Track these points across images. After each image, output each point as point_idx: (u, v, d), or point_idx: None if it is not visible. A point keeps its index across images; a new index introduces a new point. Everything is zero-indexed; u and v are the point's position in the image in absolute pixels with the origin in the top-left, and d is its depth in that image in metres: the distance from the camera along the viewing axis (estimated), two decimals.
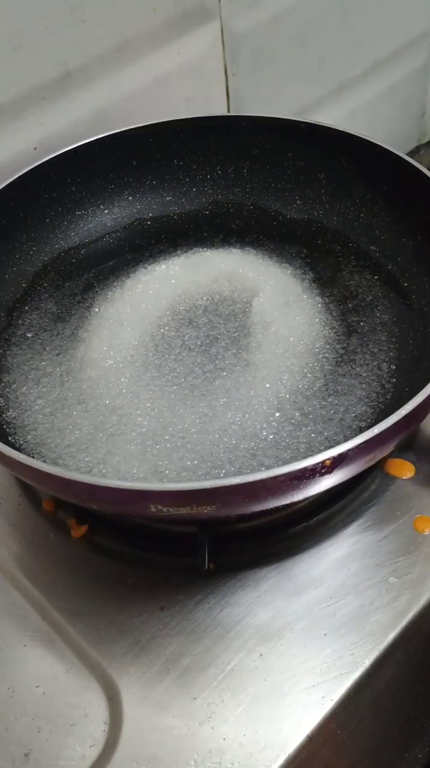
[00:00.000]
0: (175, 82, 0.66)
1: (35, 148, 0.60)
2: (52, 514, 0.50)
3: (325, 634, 0.43)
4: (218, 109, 0.71)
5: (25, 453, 0.43)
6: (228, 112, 0.72)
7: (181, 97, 0.68)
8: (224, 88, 0.71)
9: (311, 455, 0.37)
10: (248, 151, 0.64)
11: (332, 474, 0.39)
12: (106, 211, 0.64)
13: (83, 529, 0.49)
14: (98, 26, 0.58)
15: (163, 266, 0.60)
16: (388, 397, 0.48)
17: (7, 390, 0.51)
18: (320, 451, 0.37)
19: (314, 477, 0.38)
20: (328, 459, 0.37)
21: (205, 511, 0.39)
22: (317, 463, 0.37)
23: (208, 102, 0.70)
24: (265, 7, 0.68)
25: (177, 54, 0.65)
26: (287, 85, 0.75)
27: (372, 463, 0.44)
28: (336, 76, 0.80)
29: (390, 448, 0.44)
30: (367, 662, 0.42)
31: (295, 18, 0.71)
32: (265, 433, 0.46)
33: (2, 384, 0.52)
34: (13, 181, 0.57)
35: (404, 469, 0.50)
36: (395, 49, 0.83)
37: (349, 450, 0.38)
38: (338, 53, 0.78)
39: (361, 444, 0.38)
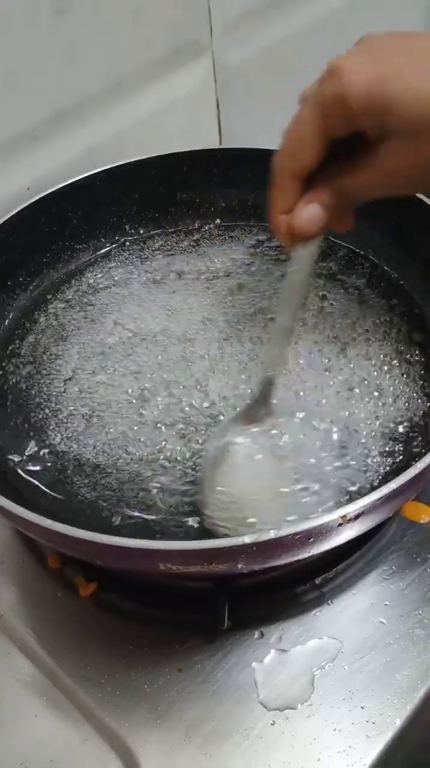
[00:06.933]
0: (168, 117, 0.65)
1: (28, 189, 0.58)
2: (59, 571, 0.48)
3: (351, 693, 0.42)
4: (210, 141, 0.70)
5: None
6: (220, 144, 0.72)
7: (173, 131, 0.67)
8: (216, 120, 0.70)
9: (326, 512, 0.36)
10: (251, 182, 0.62)
11: (349, 528, 0.37)
12: (107, 244, 0.63)
13: (92, 587, 0.47)
14: (92, 64, 0.57)
15: None
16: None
17: None
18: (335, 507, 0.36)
19: (331, 533, 0.37)
20: (346, 514, 0.36)
21: (217, 569, 0.37)
22: (334, 520, 0.36)
23: (201, 135, 0.70)
24: (256, 40, 0.68)
25: (170, 89, 0.64)
26: (279, 116, 0.74)
27: (390, 515, 0.43)
28: None
29: (406, 501, 0.43)
30: (398, 722, 0.40)
31: (285, 51, 0.70)
32: None
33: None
34: (10, 216, 0.55)
35: (421, 513, 0.49)
36: None
37: (365, 506, 0.36)
38: None
39: (378, 499, 0.36)
